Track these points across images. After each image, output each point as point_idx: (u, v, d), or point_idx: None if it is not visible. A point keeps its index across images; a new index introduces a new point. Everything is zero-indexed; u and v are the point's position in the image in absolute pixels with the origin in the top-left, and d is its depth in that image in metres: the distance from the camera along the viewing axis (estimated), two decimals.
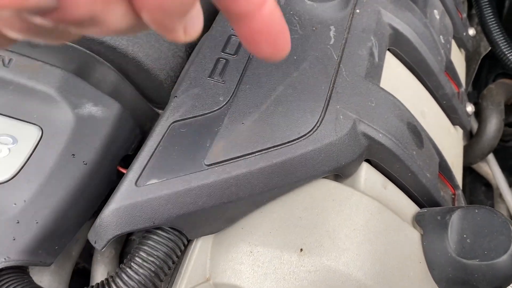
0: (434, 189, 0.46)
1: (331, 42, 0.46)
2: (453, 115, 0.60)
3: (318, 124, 0.40)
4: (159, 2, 0.17)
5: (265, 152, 0.38)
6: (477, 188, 0.88)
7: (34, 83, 0.37)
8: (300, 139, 0.39)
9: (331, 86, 0.42)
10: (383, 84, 0.49)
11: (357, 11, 0.49)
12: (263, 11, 0.21)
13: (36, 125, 0.37)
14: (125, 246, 0.47)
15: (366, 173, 0.43)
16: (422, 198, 0.47)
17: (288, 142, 0.39)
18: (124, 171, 0.40)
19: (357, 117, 0.41)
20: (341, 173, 0.42)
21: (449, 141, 0.59)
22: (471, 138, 0.81)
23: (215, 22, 0.46)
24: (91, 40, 0.41)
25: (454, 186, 0.53)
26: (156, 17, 0.18)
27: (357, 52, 0.46)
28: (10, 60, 0.38)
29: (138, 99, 0.44)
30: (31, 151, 0.36)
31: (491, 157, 0.80)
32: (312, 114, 0.40)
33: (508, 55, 0.68)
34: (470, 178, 0.90)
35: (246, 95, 0.40)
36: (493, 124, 0.71)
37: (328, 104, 0.41)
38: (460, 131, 0.64)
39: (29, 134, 0.37)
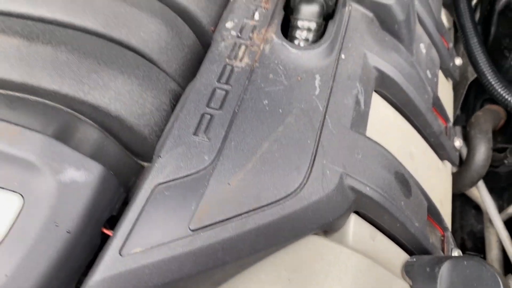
0: (423, 237, 0.46)
1: (317, 93, 0.45)
2: (441, 151, 0.60)
3: (304, 181, 0.40)
4: None
5: (252, 214, 0.37)
6: (468, 211, 0.89)
7: (14, 150, 0.37)
8: (287, 198, 0.38)
9: (317, 140, 0.42)
10: (371, 128, 0.49)
11: (343, 56, 0.49)
12: None
13: (17, 193, 0.36)
14: None
15: (354, 226, 0.43)
16: (411, 246, 0.47)
17: (275, 201, 0.38)
18: (108, 233, 0.39)
19: (344, 171, 0.41)
20: (329, 229, 0.42)
21: (438, 178, 0.60)
22: (461, 164, 0.81)
23: (199, 74, 0.45)
24: (72, 99, 0.40)
25: (443, 228, 0.53)
26: None
27: (343, 101, 0.46)
28: None
29: (122, 154, 0.44)
30: (12, 221, 0.35)
31: (480, 183, 0.80)
32: (299, 171, 0.40)
33: (494, 85, 0.68)
34: (461, 202, 0.90)
35: (231, 154, 0.40)
36: (482, 153, 0.71)
37: (314, 160, 0.41)
38: (448, 165, 0.64)
39: (10, 203, 0.36)
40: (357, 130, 0.45)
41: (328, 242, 0.41)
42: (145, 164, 0.46)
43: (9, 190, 0.36)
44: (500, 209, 0.85)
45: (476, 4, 0.86)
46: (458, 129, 0.88)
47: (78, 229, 0.36)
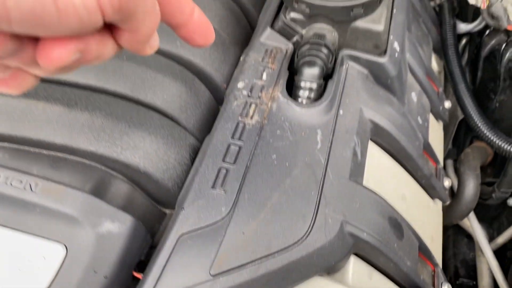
0: (414, 274, 0.52)
1: (319, 147, 0.51)
2: (432, 191, 0.66)
3: (309, 230, 0.45)
4: (135, 39, 0.27)
5: (265, 260, 0.43)
6: (460, 240, 0.94)
7: (59, 206, 0.42)
8: (294, 245, 0.44)
9: (319, 191, 0.48)
10: (367, 175, 0.55)
11: (341, 112, 0.55)
12: (193, 18, 0.30)
13: (61, 243, 0.42)
14: None
15: (353, 266, 0.49)
16: (405, 283, 0.52)
17: (284, 248, 0.44)
18: (138, 276, 0.45)
19: (344, 219, 0.47)
20: (331, 270, 0.47)
21: (429, 216, 0.65)
22: (453, 195, 0.87)
23: (216, 131, 0.51)
24: (107, 159, 0.46)
25: (434, 264, 0.59)
26: (132, 46, 0.27)
27: (342, 154, 0.52)
28: (36, 185, 0.43)
29: (148, 204, 0.49)
30: (57, 269, 0.41)
31: (471, 214, 0.86)
32: (304, 220, 0.46)
33: (480, 126, 0.75)
34: (454, 231, 0.95)
35: (245, 205, 0.46)
36: (471, 189, 0.77)
37: (317, 209, 0.47)
38: (439, 202, 0.70)
39: (55, 253, 0.41)
40: (355, 180, 0.51)
41: (330, 282, 0.47)
42: (168, 211, 0.51)
43: (54, 240, 0.42)
44: (491, 238, 0.90)
45: (464, 48, 0.93)
46: (450, 162, 0.94)
47: (114, 274, 0.42)
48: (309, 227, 0.45)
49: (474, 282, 0.88)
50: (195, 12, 0.31)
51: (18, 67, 0.26)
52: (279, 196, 0.47)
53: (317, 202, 0.47)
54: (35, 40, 0.24)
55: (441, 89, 0.78)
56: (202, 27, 0.31)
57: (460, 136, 0.95)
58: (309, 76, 0.55)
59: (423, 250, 0.57)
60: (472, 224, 0.86)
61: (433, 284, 0.57)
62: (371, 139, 0.59)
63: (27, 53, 0.24)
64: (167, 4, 0.29)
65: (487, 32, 0.81)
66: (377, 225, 0.49)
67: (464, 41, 0.95)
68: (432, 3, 0.89)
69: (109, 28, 0.26)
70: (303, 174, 0.49)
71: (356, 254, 0.50)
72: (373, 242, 0.48)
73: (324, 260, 0.45)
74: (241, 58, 0.62)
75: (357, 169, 0.53)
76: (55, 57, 0.24)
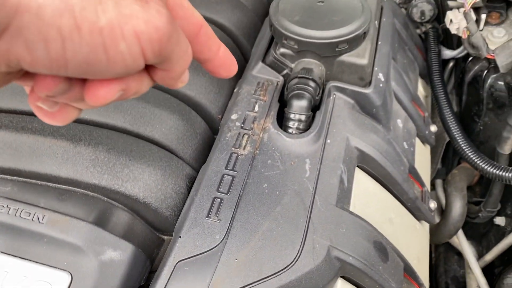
0: None
1: (307, 175, 0.55)
2: (418, 213, 0.69)
3: (298, 255, 0.48)
4: (169, 76, 0.30)
5: (256, 285, 0.46)
6: (451, 257, 0.97)
7: (64, 236, 0.46)
8: (284, 271, 0.47)
9: (308, 217, 0.51)
10: (354, 200, 0.59)
11: (328, 141, 0.59)
12: (219, 54, 0.35)
13: (67, 271, 0.45)
14: None
15: None
16: None
17: (275, 273, 0.47)
18: None
19: (330, 244, 0.50)
20: None
21: (415, 237, 0.68)
22: (442, 212, 0.90)
23: (211, 161, 0.55)
24: (109, 190, 0.50)
25: (419, 284, 0.62)
26: (166, 82, 0.31)
27: (329, 181, 0.55)
28: (43, 216, 0.46)
29: (147, 231, 0.52)
30: None
31: (460, 232, 0.89)
32: (293, 246, 0.49)
33: (466, 149, 0.78)
34: (444, 248, 0.98)
35: (238, 232, 0.49)
36: (458, 209, 0.81)
37: (306, 236, 0.50)
38: (426, 224, 0.73)
39: (61, 280, 0.45)
40: (342, 206, 0.54)
41: None
42: (166, 237, 0.55)
43: (60, 269, 0.45)
44: (480, 255, 0.93)
45: (451, 71, 0.97)
46: (439, 181, 0.97)
47: None
48: (298, 253, 0.49)
49: None
50: (221, 48, 0.35)
51: (66, 102, 0.30)
52: (269, 223, 0.50)
53: (306, 229, 0.50)
54: (83, 80, 0.28)
55: (427, 114, 0.82)
56: (227, 62, 0.36)
57: (449, 156, 0.98)
58: (298, 108, 0.59)
59: (409, 271, 0.60)
60: (461, 242, 0.89)
61: None
62: (358, 166, 0.62)
63: (76, 91, 0.28)
64: (198, 43, 0.33)
65: (470, 58, 0.85)
66: (363, 249, 0.52)
67: (451, 64, 0.99)
68: (418, 31, 0.93)
69: (146, 67, 0.30)
70: (293, 201, 0.52)
71: (343, 277, 0.53)
72: (358, 265, 0.51)
73: (312, 283, 0.48)
74: (235, 90, 0.66)
75: (344, 195, 0.56)
76: (101, 96, 0.27)
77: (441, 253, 0.98)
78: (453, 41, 0.93)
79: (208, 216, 0.50)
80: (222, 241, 0.48)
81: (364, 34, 0.63)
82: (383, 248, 0.55)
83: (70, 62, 0.24)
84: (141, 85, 0.30)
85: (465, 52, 0.87)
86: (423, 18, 0.90)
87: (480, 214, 0.87)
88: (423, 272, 0.67)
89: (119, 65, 0.26)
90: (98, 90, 0.27)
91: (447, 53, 0.91)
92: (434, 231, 0.85)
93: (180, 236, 0.49)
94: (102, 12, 0.24)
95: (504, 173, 0.73)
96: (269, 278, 0.47)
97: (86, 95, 0.28)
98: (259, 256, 0.48)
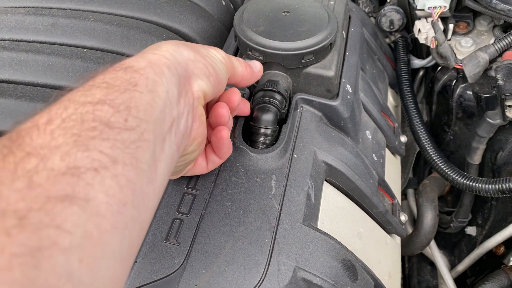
0: None
1: (273, 192, 0.53)
2: (388, 227, 0.68)
3: (262, 278, 0.46)
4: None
5: None
6: (424, 267, 0.96)
7: None
8: None
9: (273, 237, 0.49)
10: (322, 215, 0.57)
11: (295, 156, 0.57)
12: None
13: None
14: None
15: None
16: None
17: None
18: None
19: (296, 265, 0.48)
20: None
21: (386, 251, 0.67)
22: (414, 222, 0.89)
23: (171, 181, 0.52)
24: None
25: None
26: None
27: (296, 198, 0.53)
28: None
29: None
30: None
31: (432, 243, 0.88)
32: (257, 269, 0.46)
33: (436, 160, 0.78)
34: (417, 259, 0.98)
35: (198, 256, 0.46)
36: (429, 220, 0.80)
37: (271, 257, 0.47)
38: (396, 237, 0.72)
39: None
40: (309, 224, 0.52)
41: None
42: None
43: None
44: (452, 265, 0.93)
45: (421, 82, 0.97)
46: (411, 191, 0.97)
47: None
48: (262, 276, 0.46)
49: None
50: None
51: None
52: (232, 245, 0.48)
53: (270, 249, 0.48)
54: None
55: (396, 125, 0.81)
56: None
57: (420, 166, 0.98)
58: (263, 122, 0.56)
59: None
60: (433, 252, 0.88)
61: None
62: (326, 180, 0.61)
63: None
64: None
65: (439, 68, 0.85)
66: (330, 269, 0.50)
67: (421, 73, 0.99)
68: (387, 40, 0.93)
69: None
70: (257, 221, 0.50)
71: None
72: (326, 286, 0.49)
73: None
74: None
75: (311, 212, 0.54)
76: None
77: (414, 263, 0.97)
78: (422, 50, 0.93)
79: (166, 239, 0.47)
80: (181, 265, 0.46)
81: (331, 45, 0.62)
82: (351, 267, 0.53)
83: None
84: None
85: (434, 61, 0.87)
86: (392, 27, 0.89)
87: (451, 225, 0.87)
88: (395, 286, 0.65)
89: None
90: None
91: (416, 62, 0.91)
92: (407, 242, 0.84)
93: (136, 262, 0.45)
94: None
95: (473, 184, 0.72)
96: None
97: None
98: (221, 280, 0.45)
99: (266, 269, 0.47)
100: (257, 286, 0.45)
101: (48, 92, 0.56)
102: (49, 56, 0.59)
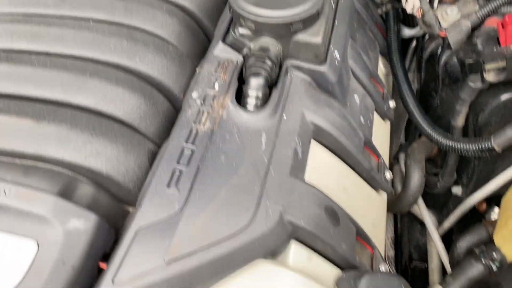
0: (351, 256, 0.59)
1: (263, 148, 0.58)
2: (373, 183, 0.74)
3: (252, 219, 0.52)
4: None
5: (212, 246, 0.50)
6: (414, 227, 1.02)
7: (30, 207, 0.49)
8: (239, 233, 0.51)
9: (262, 186, 0.55)
10: (309, 171, 0.62)
11: (284, 116, 0.62)
12: None
13: (34, 239, 0.48)
14: None
15: (293, 250, 0.56)
16: (342, 264, 0.60)
17: (229, 236, 0.51)
18: (103, 266, 0.51)
19: (283, 209, 0.54)
20: (273, 254, 0.54)
21: (371, 205, 0.73)
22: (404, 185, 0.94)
23: (171, 137, 0.58)
24: (73, 165, 0.53)
25: (372, 246, 0.66)
26: None
27: (284, 154, 0.59)
28: (10, 190, 0.49)
29: (112, 203, 0.56)
30: (30, 262, 0.47)
31: (420, 202, 0.94)
32: (247, 212, 0.53)
33: (422, 123, 0.82)
34: (408, 218, 1.04)
35: (195, 201, 0.53)
36: (416, 180, 0.85)
37: (260, 202, 0.54)
38: (383, 193, 0.77)
39: (28, 247, 0.48)
40: (295, 176, 0.58)
41: (272, 264, 0.54)
42: (130, 208, 0.58)
43: (28, 237, 0.48)
44: (440, 223, 0.98)
45: (414, 53, 1.01)
46: (402, 155, 1.01)
47: (80, 264, 0.49)
48: (252, 217, 0.52)
49: (426, 265, 0.96)
50: None
51: None
52: (225, 192, 0.54)
53: (259, 196, 0.54)
54: None
55: (385, 90, 0.86)
56: None
57: (411, 131, 1.03)
58: (255, 86, 0.62)
59: (361, 235, 0.64)
60: (422, 211, 0.94)
61: (372, 266, 0.65)
62: (314, 139, 0.66)
63: None
64: None
65: (427, 37, 0.89)
66: (314, 214, 0.56)
67: (414, 43, 1.03)
68: (378, 11, 0.97)
69: None
70: (248, 172, 0.56)
71: (297, 239, 0.57)
72: (309, 228, 0.55)
73: (266, 245, 0.52)
74: (197, 69, 0.69)
75: (298, 166, 0.60)
76: None
77: (406, 223, 1.03)
78: (414, 21, 0.96)
79: (168, 186, 0.54)
80: (181, 209, 0.52)
81: (318, 14, 0.66)
82: (334, 213, 0.59)
83: None
84: None
85: (422, 30, 0.91)
86: None
87: (438, 185, 0.92)
88: (378, 237, 0.71)
89: None
90: None
91: (407, 31, 0.95)
92: (395, 201, 0.89)
93: (141, 205, 0.52)
94: None
95: (456, 144, 0.77)
96: (224, 240, 0.50)
97: None
98: (215, 220, 0.51)
99: (255, 212, 0.53)
100: (248, 226, 0.52)
101: (60, 61, 0.62)
102: (60, 28, 0.65)
